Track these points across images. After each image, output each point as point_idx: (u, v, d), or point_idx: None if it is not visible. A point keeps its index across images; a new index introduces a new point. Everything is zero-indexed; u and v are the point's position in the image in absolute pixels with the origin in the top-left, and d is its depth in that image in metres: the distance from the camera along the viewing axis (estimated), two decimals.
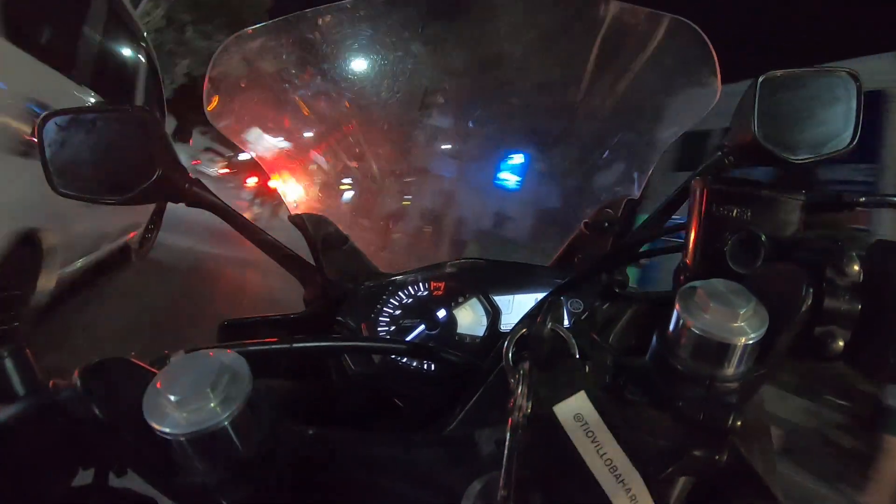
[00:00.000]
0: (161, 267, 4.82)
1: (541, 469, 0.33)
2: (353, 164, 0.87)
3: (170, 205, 0.63)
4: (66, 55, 2.47)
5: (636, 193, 0.78)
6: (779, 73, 0.52)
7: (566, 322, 0.62)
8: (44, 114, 0.56)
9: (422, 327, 0.64)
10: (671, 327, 0.34)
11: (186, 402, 0.29)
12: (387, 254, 0.86)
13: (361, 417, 0.61)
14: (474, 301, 0.65)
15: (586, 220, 0.76)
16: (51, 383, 0.35)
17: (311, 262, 0.70)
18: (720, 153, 0.55)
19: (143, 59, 3.77)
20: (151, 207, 4.49)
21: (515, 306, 0.66)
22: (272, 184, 0.83)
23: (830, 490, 2.66)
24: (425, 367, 0.60)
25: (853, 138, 0.52)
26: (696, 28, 0.68)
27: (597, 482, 0.32)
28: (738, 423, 0.32)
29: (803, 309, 0.34)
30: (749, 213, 0.41)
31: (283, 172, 0.82)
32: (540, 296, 0.64)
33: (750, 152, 0.52)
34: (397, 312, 0.65)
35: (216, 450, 0.31)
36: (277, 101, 0.80)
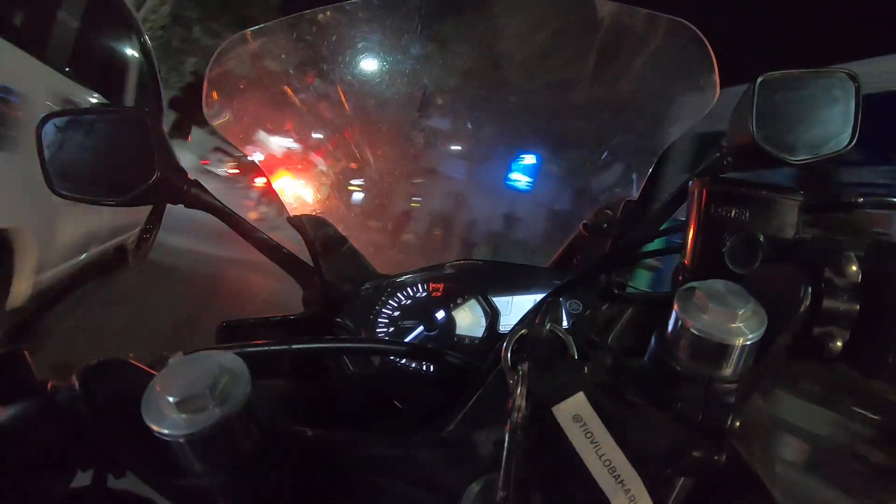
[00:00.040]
0: (161, 268, 4.81)
1: (540, 470, 0.32)
2: (353, 166, 0.87)
3: (170, 206, 0.63)
4: (38, 37, 2.23)
5: (635, 195, 0.78)
6: (777, 74, 0.51)
7: (565, 323, 0.62)
8: (43, 115, 0.56)
9: (421, 328, 0.64)
10: (670, 328, 0.34)
11: (185, 403, 0.29)
12: (386, 255, 0.86)
13: (360, 418, 0.61)
14: (473, 302, 0.65)
15: (585, 222, 0.76)
16: (49, 384, 0.35)
17: (310, 263, 0.70)
18: (718, 154, 0.55)
19: (135, 52, 3.63)
20: (146, 208, 4.44)
21: (514, 307, 0.66)
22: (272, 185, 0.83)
23: None
24: (424, 368, 0.60)
25: (852, 139, 0.52)
26: (695, 29, 0.68)
27: (596, 483, 0.32)
28: (737, 423, 0.32)
29: (802, 309, 0.34)
30: (747, 214, 0.41)
31: (282, 174, 0.82)
32: (539, 297, 0.64)
33: (748, 153, 0.52)
34: (396, 314, 0.65)
35: (215, 451, 0.30)
36: (277, 102, 0.80)
